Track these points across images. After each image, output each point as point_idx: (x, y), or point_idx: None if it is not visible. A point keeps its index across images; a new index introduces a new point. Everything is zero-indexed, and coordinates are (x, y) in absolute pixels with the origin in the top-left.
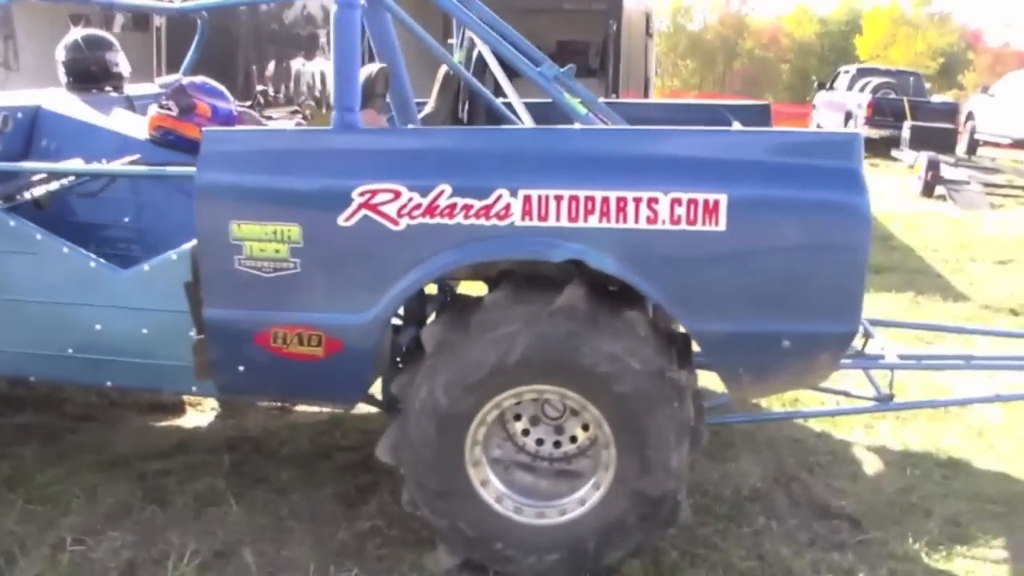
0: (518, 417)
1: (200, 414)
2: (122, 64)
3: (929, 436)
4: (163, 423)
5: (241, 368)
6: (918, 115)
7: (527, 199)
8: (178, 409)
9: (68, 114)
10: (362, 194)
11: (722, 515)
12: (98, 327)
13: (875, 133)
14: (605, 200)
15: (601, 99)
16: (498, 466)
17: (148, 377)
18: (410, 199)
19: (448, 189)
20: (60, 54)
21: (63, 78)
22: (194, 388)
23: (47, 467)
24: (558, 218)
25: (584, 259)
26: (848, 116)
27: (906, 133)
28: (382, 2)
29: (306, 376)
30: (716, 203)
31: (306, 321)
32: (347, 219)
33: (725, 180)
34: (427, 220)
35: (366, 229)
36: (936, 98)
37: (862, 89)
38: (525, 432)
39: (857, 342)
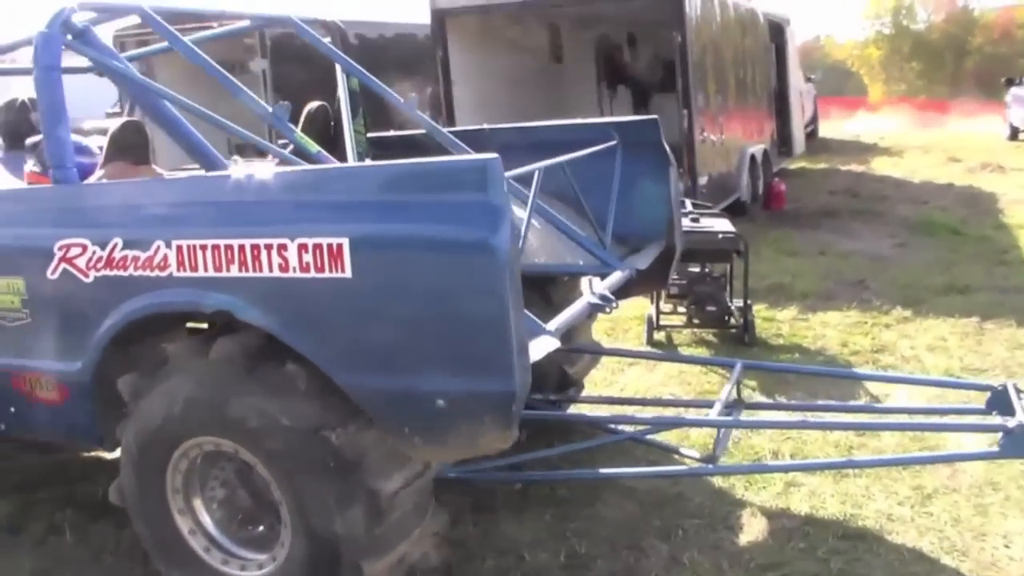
0: None
1: None
2: None
3: (857, 499)
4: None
5: (12, 410)
6: None
7: (179, 249)
8: None
9: None
10: (60, 248)
11: None
12: None
13: None
14: (242, 248)
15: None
16: (217, 515)
17: None
18: (94, 252)
19: (120, 242)
20: None
21: None
22: (1, 427)
23: None
24: (206, 268)
25: (231, 310)
26: None
27: None
28: (111, 68)
29: (56, 419)
30: (339, 247)
31: (42, 368)
32: (52, 272)
33: (346, 221)
34: (108, 272)
35: (66, 281)
36: None
37: None
38: None
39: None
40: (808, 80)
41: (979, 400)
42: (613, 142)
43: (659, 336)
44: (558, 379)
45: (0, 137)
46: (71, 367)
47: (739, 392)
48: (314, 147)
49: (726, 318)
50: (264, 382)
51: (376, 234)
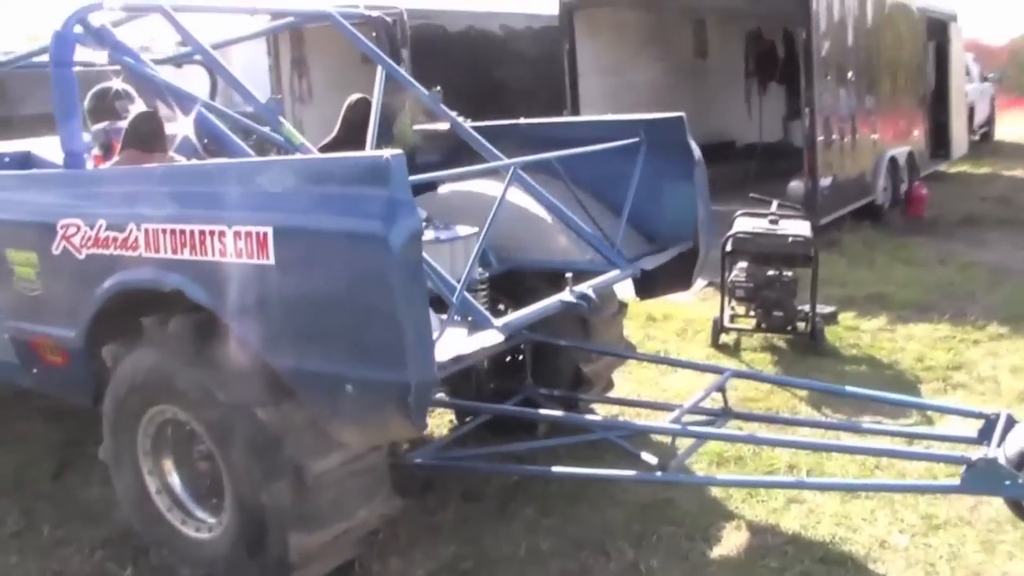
0: None
1: None
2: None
3: (855, 523)
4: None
5: (34, 370)
6: None
7: (147, 232)
8: None
9: (49, 158)
10: (62, 227)
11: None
12: None
13: None
14: (192, 234)
15: None
16: (185, 478)
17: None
18: (85, 232)
19: (104, 223)
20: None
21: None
22: (27, 383)
23: None
24: (166, 251)
25: (184, 289)
26: None
27: None
28: (126, 65)
29: (61, 380)
30: (265, 236)
31: (49, 333)
32: (56, 248)
33: (271, 212)
34: (95, 251)
35: (65, 257)
36: None
37: None
38: None
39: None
40: (985, 80)
41: None
42: (635, 139)
43: (727, 339)
44: (572, 376)
45: (89, 120)
46: (69, 334)
47: (725, 400)
48: (298, 139)
49: (796, 324)
50: (208, 358)
51: (294, 224)
